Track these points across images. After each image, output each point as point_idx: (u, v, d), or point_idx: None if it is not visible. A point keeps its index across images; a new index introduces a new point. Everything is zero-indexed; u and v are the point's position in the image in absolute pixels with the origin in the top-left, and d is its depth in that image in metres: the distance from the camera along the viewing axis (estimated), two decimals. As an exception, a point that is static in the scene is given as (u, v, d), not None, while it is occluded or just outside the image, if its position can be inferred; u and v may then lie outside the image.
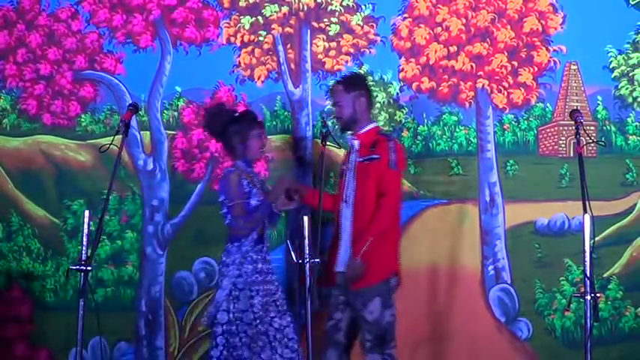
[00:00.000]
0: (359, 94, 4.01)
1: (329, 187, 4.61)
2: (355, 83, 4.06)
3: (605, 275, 4.48)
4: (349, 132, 4.12)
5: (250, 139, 3.97)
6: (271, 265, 3.99)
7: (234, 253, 3.87)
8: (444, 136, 4.65)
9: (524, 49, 4.64)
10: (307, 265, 3.78)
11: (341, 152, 4.59)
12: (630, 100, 4.60)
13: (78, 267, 3.53)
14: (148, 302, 4.72)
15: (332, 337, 3.91)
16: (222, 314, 3.80)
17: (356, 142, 4.01)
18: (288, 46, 4.77)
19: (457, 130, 4.61)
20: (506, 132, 4.60)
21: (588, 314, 3.43)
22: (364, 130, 4.01)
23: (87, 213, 3.69)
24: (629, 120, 4.59)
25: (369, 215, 3.85)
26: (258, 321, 3.79)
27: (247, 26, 4.78)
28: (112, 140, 3.76)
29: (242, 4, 4.79)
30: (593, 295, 3.42)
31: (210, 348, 3.86)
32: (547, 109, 4.63)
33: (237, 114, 4.08)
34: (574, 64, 4.61)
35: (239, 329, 3.77)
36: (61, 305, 4.71)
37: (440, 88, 4.68)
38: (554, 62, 4.62)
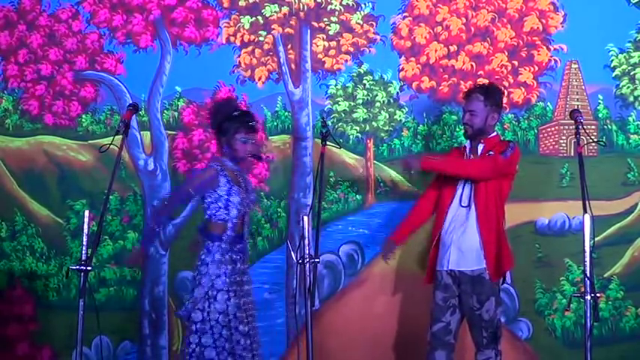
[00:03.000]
0: (495, 109, 4.00)
1: (328, 187, 4.62)
2: (495, 97, 4.03)
3: (606, 275, 4.44)
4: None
5: (234, 142, 3.88)
6: (248, 266, 3.96)
7: (214, 251, 3.80)
8: (444, 136, 4.63)
9: (525, 49, 4.61)
10: (307, 265, 3.77)
11: (341, 152, 4.61)
12: (631, 99, 4.56)
13: (78, 267, 3.54)
14: (151, 302, 4.73)
15: (442, 339, 3.92)
16: (196, 313, 3.76)
17: (480, 146, 4.00)
18: (289, 46, 4.77)
19: (457, 129, 4.58)
20: (506, 131, 4.58)
21: (588, 314, 3.42)
22: (489, 137, 4.02)
23: (87, 213, 3.68)
24: (630, 119, 4.55)
25: (492, 215, 3.87)
26: (232, 323, 3.75)
27: (247, 26, 4.78)
28: (112, 140, 3.75)
29: (242, 3, 4.79)
30: (593, 295, 3.41)
31: (186, 342, 3.82)
32: (548, 108, 4.61)
33: (235, 113, 3.95)
34: (575, 63, 4.58)
35: (214, 330, 3.73)
36: (63, 304, 4.73)
37: (440, 88, 4.67)
38: (555, 61, 4.59)
